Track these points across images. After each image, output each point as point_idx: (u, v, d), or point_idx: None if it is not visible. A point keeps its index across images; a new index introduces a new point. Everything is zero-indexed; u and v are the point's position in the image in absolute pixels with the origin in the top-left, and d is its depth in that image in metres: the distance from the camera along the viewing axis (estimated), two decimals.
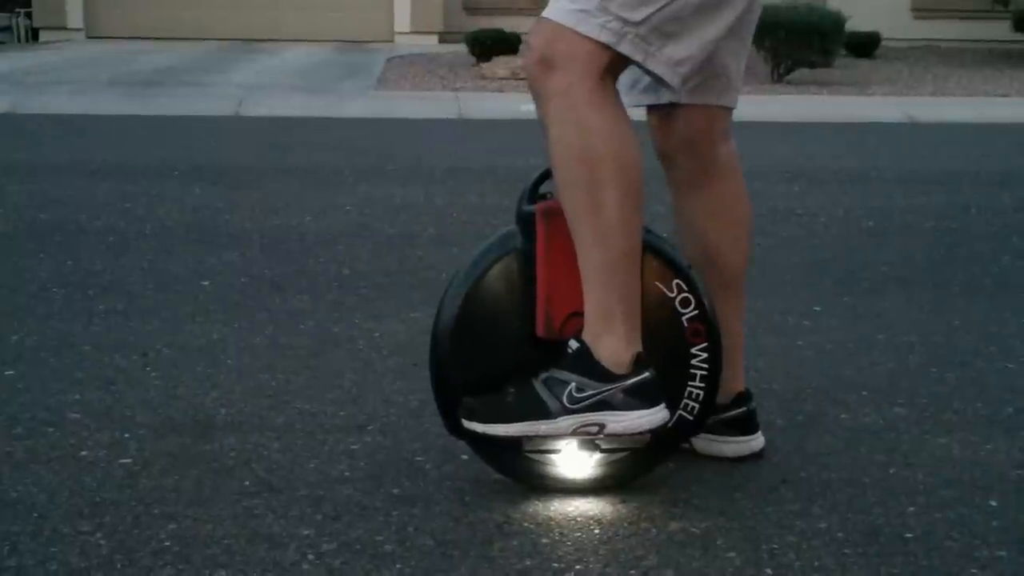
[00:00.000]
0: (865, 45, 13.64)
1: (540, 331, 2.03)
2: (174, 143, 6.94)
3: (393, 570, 1.84)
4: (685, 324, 2.09)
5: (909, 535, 1.99)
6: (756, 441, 2.32)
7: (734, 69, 2.15)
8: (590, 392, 1.97)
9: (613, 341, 1.96)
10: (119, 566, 1.84)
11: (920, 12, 15.62)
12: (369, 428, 2.46)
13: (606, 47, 1.91)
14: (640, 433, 2.00)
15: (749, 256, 2.27)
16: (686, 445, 2.30)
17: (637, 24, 1.91)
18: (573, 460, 2.10)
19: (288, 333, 3.18)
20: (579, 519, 2.03)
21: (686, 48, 1.94)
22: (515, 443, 2.07)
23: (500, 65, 11.06)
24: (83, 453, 2.31)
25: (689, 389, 2.11)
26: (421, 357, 2.55)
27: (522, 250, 2.04)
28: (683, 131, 2.18)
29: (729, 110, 2.19)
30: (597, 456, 2.11)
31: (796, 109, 9.08)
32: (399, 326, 3.26)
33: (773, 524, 2.02)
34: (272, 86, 9.95)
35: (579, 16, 1.91)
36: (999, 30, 14.96)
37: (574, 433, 2.00)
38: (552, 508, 2.07)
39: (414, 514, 2.05)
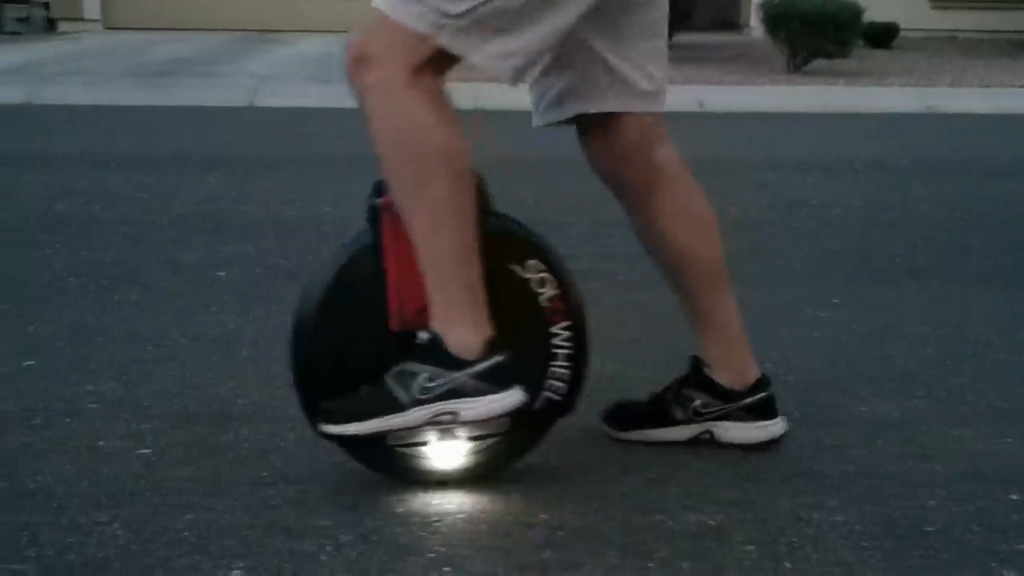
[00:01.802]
0: (883, 36, 13.58)
1: (394, 325, 2.02)
2: (188, 134, 6.96)
3: (408, 561, 1.84)
4: (544, 304, 2.07)
5: (929, 528, 1.98)
6: (776, 426, 2.33)
7: (633, 73, 2.09)
8: (440, 381, 1.98)
9: (460, 329, 1.96)
10: (137, 556, 1.84)
11: (938, 3, 15.55)
12: None
13: (423, 38, 1.87)
14: (495, 418, 2.01)
15: (724, 248, 2.24)
16: (706, 435, 2.30)
17: (457, 17, 1.88)
18: (444, 450, 2.09)
19: None
20: (595, 511, 2.03)
21: (517, 41, 1.90)
22: (379, 439, 2.04)
23: None
24: (100, 443, 2.31)
25: (553, 369, 2.10)
26: None
27: (372, 245, 2.02)
28: (616, 146, 2.16)
29: (657, 116, 2.16)
30: (468, 445, 2.09)
31: (812, 100, 9.04)
32: None
33: (789, 517, 2.02)
34: (286, 76, 9.96)
35: (398, 4, 1.88)
36: (1019, 20, 14.88)
37: (429, 423, 2.00)
38: (568, 501, 2.07)
39: (431, 504, 2.05)
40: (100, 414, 2.47)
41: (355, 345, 2.04)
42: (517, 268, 2.06)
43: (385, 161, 1.92)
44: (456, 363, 1.97)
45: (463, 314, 1.96)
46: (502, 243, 2.04)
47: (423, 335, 1.99)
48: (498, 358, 1.98)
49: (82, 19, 14.96)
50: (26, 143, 6.52)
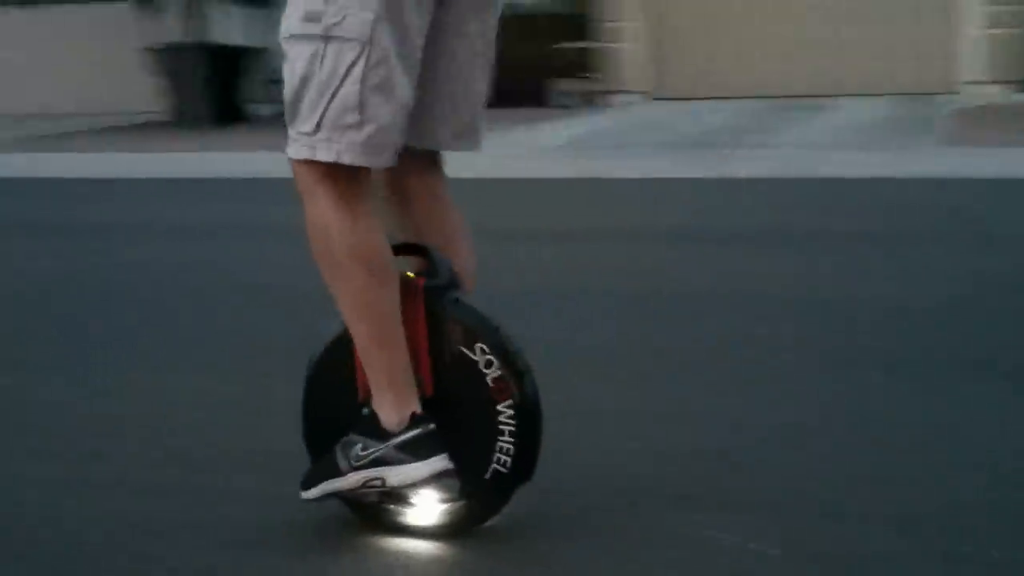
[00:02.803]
0: None
1: (360, 397, 2.31)
2: (728, 206, 7.10)
3: None
4: (490, 384, 2.27)
5: None
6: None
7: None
8: (370, 451, 2.27)
9: (386, 405, 2.25)
10: None
11: None
12: None
13: (310, 163, 2.16)
14: (419, 483, 2.27)
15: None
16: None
17: (313, 133, 2.13)
18: (425, 510, 2.36)
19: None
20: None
21: (371, 127, 2.12)
22: (361, 500, 2.36)
23: None
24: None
25: (500, 444, 2.29)
26: None
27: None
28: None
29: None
30: (442, 506, 2.35)
31: None
32: None
33: None
34: (830, 144, 9.90)
35: (289, 146, 2.19)
36: None
37: (363, 487, 2.30)
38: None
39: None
40: None
41: (338, 412, 2.36)
42: (467, 351, 2.28)
43: (320, 268, 2.23)
44: (381, 435, 2.26)
45: (384, 393, 2.25)
46: (454, 327, 2.28)
47: (365, 409, 2.29)
48: (418, 431, 2.25)
49: (628, 91, 15.74)
50: (601, 219, 6.89)
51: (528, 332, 2.53)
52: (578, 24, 15.60)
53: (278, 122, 2.52)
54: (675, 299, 4.61)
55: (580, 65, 15.53)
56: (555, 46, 15.14)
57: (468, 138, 2.37)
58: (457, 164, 2.50)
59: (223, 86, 13.64)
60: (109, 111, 15.29)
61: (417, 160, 2.35)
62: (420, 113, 2.25)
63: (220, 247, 6.17)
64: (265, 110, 13.62)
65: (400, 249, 2.29)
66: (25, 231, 6.90)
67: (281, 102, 2.22)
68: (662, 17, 15.71)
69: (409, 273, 2.29)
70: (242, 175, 9.01)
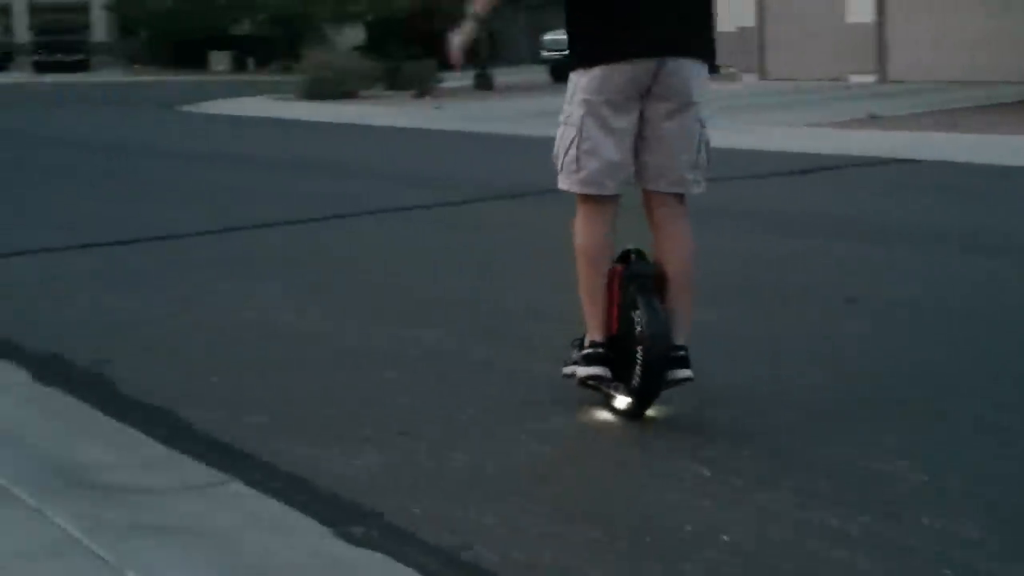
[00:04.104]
0: None
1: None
2: None
3: None
4: (636, 336, 3.83)
5: None
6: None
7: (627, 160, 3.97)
8: (573, 356, 4.03)
9: (587, 333, 3.99)
10: None
11: None
12: None
13: (569, 192, 4.01)
14: (585, 379, 3.97)
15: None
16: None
17: (560, 169, 3.97)
18: (618, 400, 3.99)
19: None
20: None
21: (586, 170, 3.92)
22: (586, 386, 4.06)
23: None
24: None
25: (635, 370, 3.83)
26: None
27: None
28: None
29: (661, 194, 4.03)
30: (624, 399, 3.98)
31: None
32: None
33: None
34: None
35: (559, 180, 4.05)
36: None
37: (570, 375, 4.06)
38: None
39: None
40: None
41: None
42: (633, 314, 3.86)
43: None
44: (581, 348, 3.99)
45: (588, 327, 3.97)
46: (628, 299, 3.91)
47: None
48: (591, 351, 3.94)
49: None
50: None
51: None
52: None
53: None
54: None
55: None
56: None
57: (679, 185, 3.98)
58: None
59: None
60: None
61: (663, 199, 4.00)
62: (646, 168, 3.97)
63: None
64: None
65: (624, 253, 3.98)
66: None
67: None
68: None
69: (617, 265, 3.95)
70: None
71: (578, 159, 3.87)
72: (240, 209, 9.09)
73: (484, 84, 24.77)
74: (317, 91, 23.07)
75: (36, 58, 47.50)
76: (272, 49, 43.61)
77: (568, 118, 3.91)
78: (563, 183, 3.94)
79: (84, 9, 54.94)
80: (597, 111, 3.84)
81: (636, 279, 3.85)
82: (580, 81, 3.87)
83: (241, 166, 12.78)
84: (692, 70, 3.86)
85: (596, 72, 3.82)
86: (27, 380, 4.68)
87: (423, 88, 23.26)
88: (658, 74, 3.81)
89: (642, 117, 3.87)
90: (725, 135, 8.45)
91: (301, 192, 10.28)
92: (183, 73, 43.51)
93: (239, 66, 45.03)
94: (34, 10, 54.34)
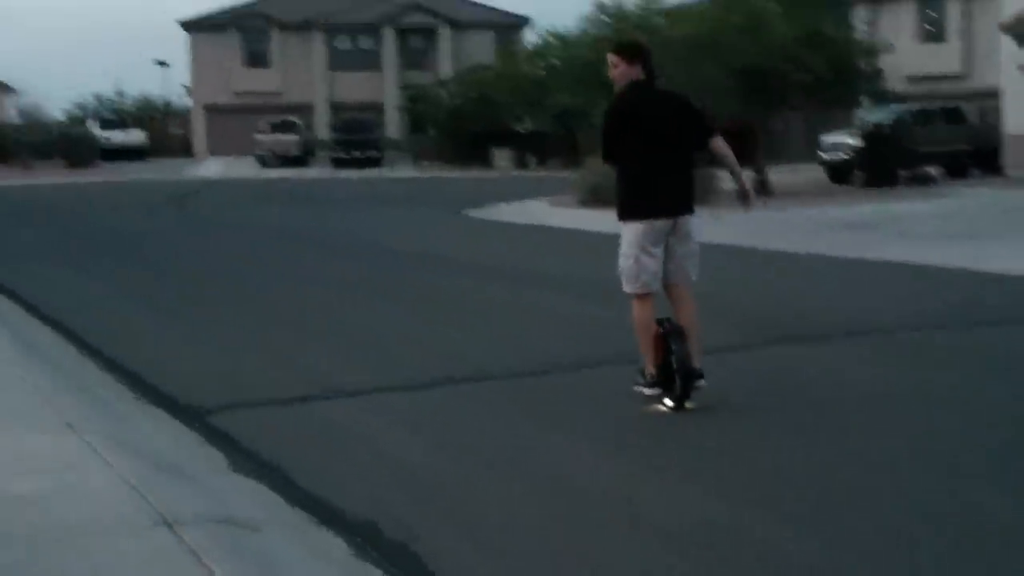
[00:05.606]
0: None
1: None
2: None
3: None
4: (674, 371, 6.92)
5: None
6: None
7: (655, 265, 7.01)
8: (639, 380, 7.08)
9: (645, 366, 7.01)
10: None
11: None
12: None
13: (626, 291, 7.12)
14: (650, 397, 7.00)
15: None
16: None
17: (621, 272, 7.03)
18: (669, 401, 7.01)
19: None
20: None
21: (636, 284, 6.99)
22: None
23: None
24: None
25: (672, 387, 6.94)
26: None
27: None
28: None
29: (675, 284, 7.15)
30: (671, 401, 6.94)
31: None
32: None
33: None
34: None
35: (622, 282, 7.10)
36: None
37: (639, 391, 7.11)
38: None
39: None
40: None
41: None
42: (670, 355, 6.87)
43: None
44: (643, 374, 7.02)
45: (646, 361, 6.97)
46: (667, 347, 6.85)
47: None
48: (650, 379, 6.95)
49: None
50: None
51: None
52: None
53: None
54: None
55: None
56: None
57: (688, 280, 7.08)
58: None
59: None
60: None
61: (677, 287, 7.07)
62: (668, 272, 7.01)
63: None
64: None
65: (660, 320, 6.96)
66: None
67: None
68: None
69: (657, 326, 6.94)
70: None
71: (637, 275, 6.91)
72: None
73: (762, 189, 23.58)
74: (592, 198, 22.74)
75: (334, 155, 50.79)
76: (553, 145, 45.04)
77: (628, 249, 6.96)
78: (627, 288, 6.99)
79: (379, 108, 58.70)
80: (644, 246, 6.92)
81: (670, 333, 6.86)
82: (635, 227, 6.92)
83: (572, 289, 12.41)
84: (692, 221, 7.03)
85: (641, 225, 6.91)
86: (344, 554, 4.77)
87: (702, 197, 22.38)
88: (675, 225, 6.97)
89: (666, 246, 6.97)
90: None
91: (581, 316, 10.47)
92: (466, 168, 45.51)
93: (520, 163, 46.73)
94: (335, 109, 58.41)
